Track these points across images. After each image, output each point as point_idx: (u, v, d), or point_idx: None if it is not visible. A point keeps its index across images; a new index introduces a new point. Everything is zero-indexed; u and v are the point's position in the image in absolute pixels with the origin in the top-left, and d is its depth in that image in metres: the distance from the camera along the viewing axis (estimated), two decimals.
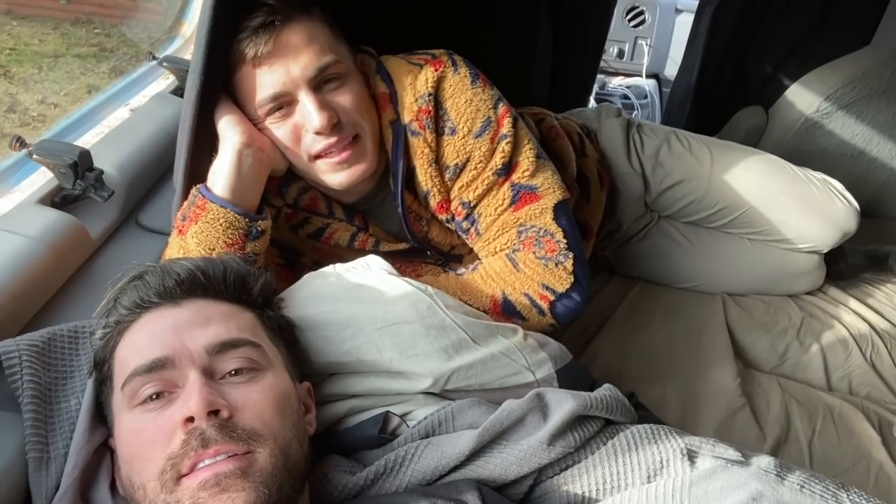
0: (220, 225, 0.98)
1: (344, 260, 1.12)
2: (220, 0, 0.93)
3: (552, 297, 1.08)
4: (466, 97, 1.09)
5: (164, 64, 1.62)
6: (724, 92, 2.08)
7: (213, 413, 0.68)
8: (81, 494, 0.75)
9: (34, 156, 1.11)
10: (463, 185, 1.11)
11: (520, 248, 1.10)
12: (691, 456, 0.75)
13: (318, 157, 1.05)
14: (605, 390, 0.82)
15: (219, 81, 1.02)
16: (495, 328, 0.91)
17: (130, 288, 0.79)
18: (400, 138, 1.09)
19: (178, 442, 0.67)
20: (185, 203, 1.01)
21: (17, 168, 1.18)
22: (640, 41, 2.69)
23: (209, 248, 0.98)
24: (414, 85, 1.09)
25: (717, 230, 1.53)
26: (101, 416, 0.80)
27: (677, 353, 1.40)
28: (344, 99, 1.03)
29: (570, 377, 0.91)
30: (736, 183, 1.48)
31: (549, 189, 1.11)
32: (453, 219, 1.16)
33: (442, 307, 0.89)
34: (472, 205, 1.12)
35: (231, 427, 0.68)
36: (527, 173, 1.10)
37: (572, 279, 1.08)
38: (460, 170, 1.10)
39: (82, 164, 1.11)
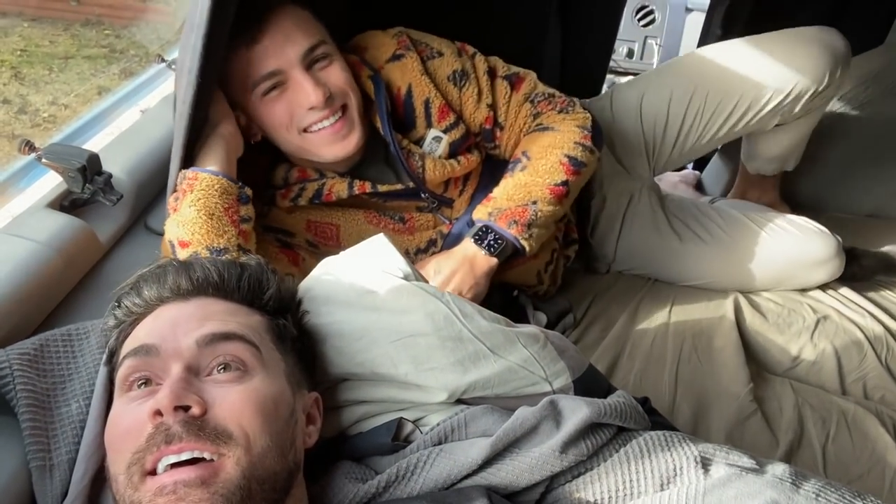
0: (216, 191, 1.04)
1: (340, 231, 1.25)
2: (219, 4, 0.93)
3: (590, 133, 1.28)
4: (432, 36, 1.31)
5: (173, 66, 1.62)
6: None
7: (183, 409, 0.67)
8: (91, 501, 0.74)
9: (43, 160, 1.11)
10: (474, 91, 1.29)
11: (539, 111, 1.31)
12: (705, 463, 0.74)
13: (306, 130, 1.15)
14: (619, 397, 0.81)
15: (214, 77, 1.04)
16: (514, 336, 0.88)
17: (152, 278, 0.79)
18: (380, 86, 1.23)
19: (145, 436, 0.66)
20: (176, 189, 1.06)
21: (25, 172, 1.18)
22: (649, 40, 2.67)
23: (209, 214, 1.03)
24: (386, 32, 1.29)
25: (711, 139, 1.53)
26: None
27: (688, 356, 1.39)
28: (333, 75, 1.15)
29: (586, 385, 0.88)
30: (687, 69, 1.52)
31: (526, 71, 1.35)
32: (455, 125, 1.28)
33: (459, 317, 0.86)
34: (492, 104, 1.30)
35: (200, 425, 0.66)
36: (504, 68, 1.34)
37: (588, 113, 1.31)
38: (460, 76, 1.28)
39: (91, 168, 1.11)
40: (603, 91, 1.67)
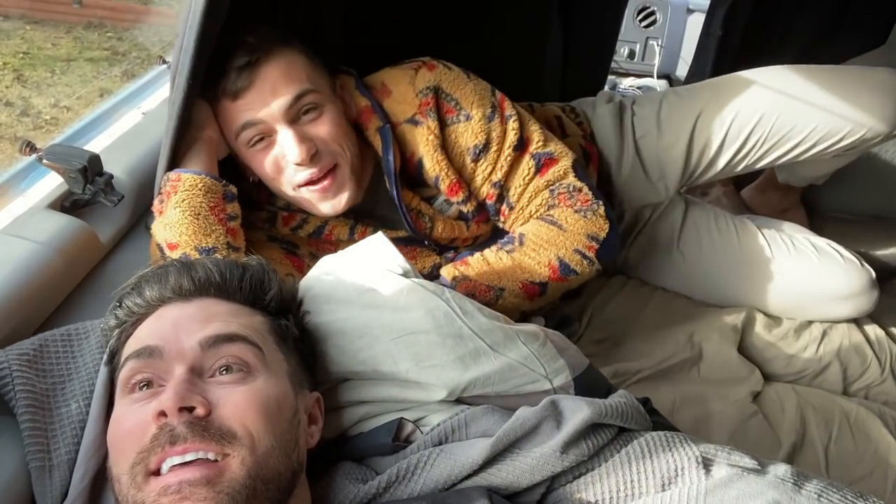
0: (200, 191, 1.03)
1: (339, 249, 1.16)
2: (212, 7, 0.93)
3: (597, 246, 1.18)
4: (469, 87, 1.19)
5: None
6: None
7: (187, 410, 0.67)
8: (91, 502, 0.74)
9: (44, 160, 1.11)
10: (488, 167, 1.19)
11: (556, 203, 1.19)
12: (706, 464, 0.74)
13: (300, 186, 1.10)
14: (620, 397, 0.81)
15: (201, 79, 1.03)
16: (514, 334, 0.88)
17: (154, 279, 0.79)
18: (388, 141, 1.15)
19: (149, 436, 0.66)
20: (160, 191, 1.05)
21: (26, 173, 1.18)
22: (651, 41, 2.67)
23: (195, 214, 1.02)
24: (413, 83, 1.17)
25: (768, 163, 1.42)
26: None
27: (691, 363, 1.38)
28: (322, 129, 1.08)
29: (586, 384, 0.89)
30: (754, 91, 1.37)
31: (564, 153, 1.22)
32: (467, 200, 1.21)
33: (459, 314, 0.86)
34: (501, 183, 1.20)
35: (204, 425, 0.66)
36: (540, 143, 1.21)
37: (608, 224, 1.19)
38: (481, 150, 1.18)
39: (92, 169, 1.11)
40: (604, 91, 1.65)
